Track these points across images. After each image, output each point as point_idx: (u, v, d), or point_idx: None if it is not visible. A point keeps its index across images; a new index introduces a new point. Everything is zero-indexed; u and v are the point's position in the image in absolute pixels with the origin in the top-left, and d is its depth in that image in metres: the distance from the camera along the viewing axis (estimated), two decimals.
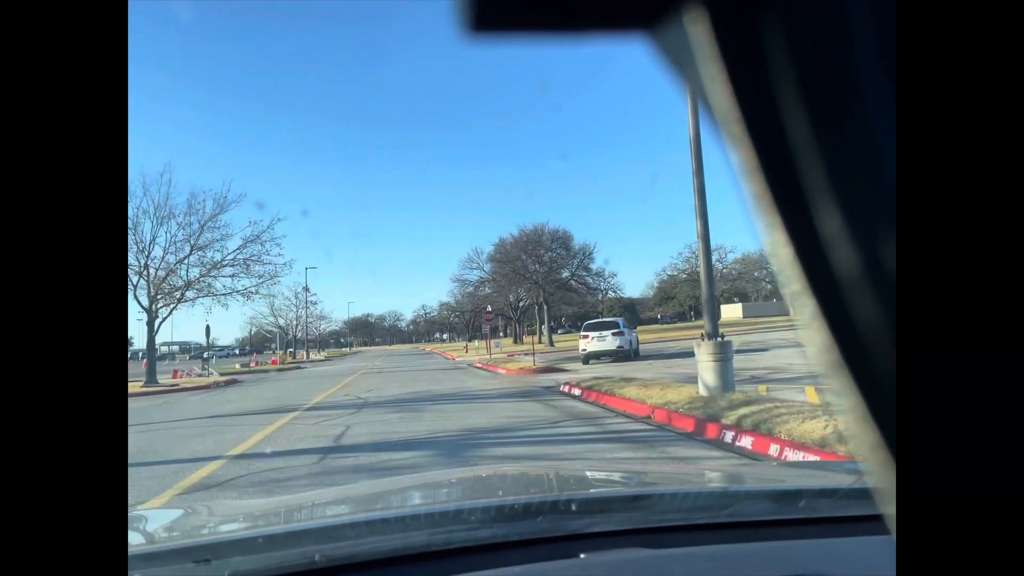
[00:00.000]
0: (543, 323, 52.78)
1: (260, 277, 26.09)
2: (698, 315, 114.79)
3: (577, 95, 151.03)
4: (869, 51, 0.26)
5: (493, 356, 30.04)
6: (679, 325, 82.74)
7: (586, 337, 21.95)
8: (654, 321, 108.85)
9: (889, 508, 0.27)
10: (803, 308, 0.28)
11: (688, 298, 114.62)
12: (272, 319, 56.41)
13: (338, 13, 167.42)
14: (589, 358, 21.79)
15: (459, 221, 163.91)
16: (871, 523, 1.10)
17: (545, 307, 47.15)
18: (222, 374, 30.85)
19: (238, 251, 24.88)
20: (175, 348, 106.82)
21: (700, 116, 0.43)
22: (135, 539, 1.33)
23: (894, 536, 0.27)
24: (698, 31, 0.27)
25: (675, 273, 57.31)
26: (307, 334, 58.98)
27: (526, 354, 36.94)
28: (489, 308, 29.78)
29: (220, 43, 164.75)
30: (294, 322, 58.36)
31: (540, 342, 53.50)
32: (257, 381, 25.13)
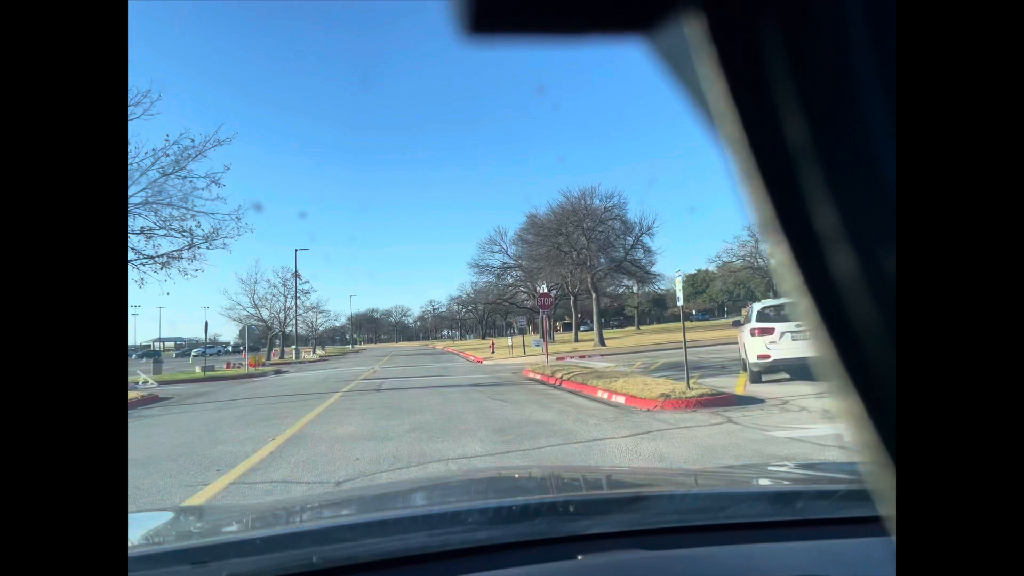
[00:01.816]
0: (576, 316, 41.90)
1: (186, 235, 14.69)
2: (733, 311, 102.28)
3: (575, 97, 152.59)
4: (867, 53, 0.26)
5: (546, 360, 18.72)
6: (720, 322, 70.73)
7: (766, 332, 10.42)
8: (685, 317, 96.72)
9: (887, 509, 0.27)
10: (801, 308, 0.28)
11: (721, 293, 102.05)
12: (254, 310, 44.87)
13: (336, 13, 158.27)
14: (764, 371, 10.36)
15: (459, 220, 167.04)
16: (869, 524, 1.12)
17: (594, 296, 35.76)
18: (163, 382, 22.83)
19: (146, 188, 13.45)
20: (169, 344, 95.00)
21: (697, 119, 0.30)
22: (133, 541, 1.31)
23: (893, 537, 0.27)
24: (695, 34, 0.27)
25: (732, 260, 46.21)
26: (297, 329, 47.60)
27: (582, 356, 25.25)
28: (545, 289, 17.86)
29: (219, 41, 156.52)
30: (282, 314, 46.91)
31: (577, 340, 41.93)
32: (176, 404, 15.13)
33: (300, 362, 41.49)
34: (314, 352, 55.56)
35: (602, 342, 34.29)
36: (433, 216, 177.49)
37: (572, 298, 45.23)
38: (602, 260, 38.46)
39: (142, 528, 1.52)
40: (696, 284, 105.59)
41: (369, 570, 1.06)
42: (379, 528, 1.28)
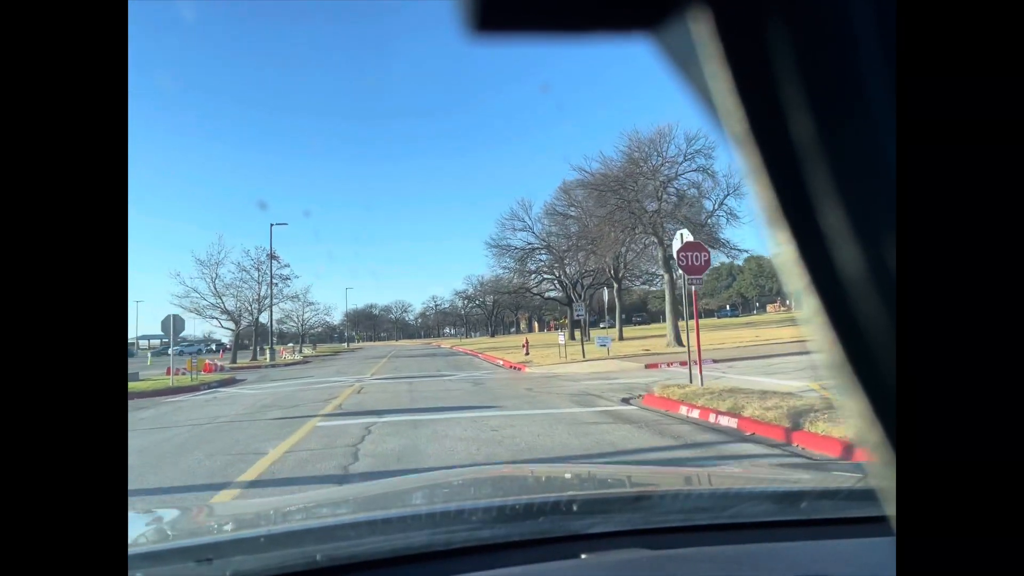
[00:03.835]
0: (627, 308, 31.87)
1: None
2: (762, 306, 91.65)
3: (579, 95, 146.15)
4: (872, 51, 0.26)
5: (699, 376, 10.65)
6: (756, 318, 60.12)
7: None
8: (707, 315, 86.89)
9: (892, 509, 0.27)
10: (806, 306, 0.28)
11: (751, 287, 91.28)
12: (215, 299, 34.33)
13: (340, 12, 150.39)
14: None
15: (460, 216, 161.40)
16: (874, 524, 1.09)
17: (667, 277, 25.39)
18: None
19: None
20: (155, 341, 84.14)
21: (703, 116, 0.30)
22: (136, 538, 1.30)
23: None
24: (701, 31, 0.27)
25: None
26: (272, 323, 37.29)
27: (683, 363, 14.71)
28: (687, 236, 6.43)
29: (221, 44, 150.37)
30: (256, 305, 36.35)
31: (622, 338, 31.39)
32: None
33: (274, 365, 31.47)
34: (300, 351, 45.30)
35: (679, 340, 24.05)
36: (434, 212, 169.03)
37: (616, 284, 34.94)
38: (699, 218, 27.40)
39: (146, 526, 1.51)
40: (721, 278, 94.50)
41: (372, 568, 1.06)
42: (382, 526, 1.27)
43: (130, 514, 1.46)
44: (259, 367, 31.36)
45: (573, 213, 36.16)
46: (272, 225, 37.91)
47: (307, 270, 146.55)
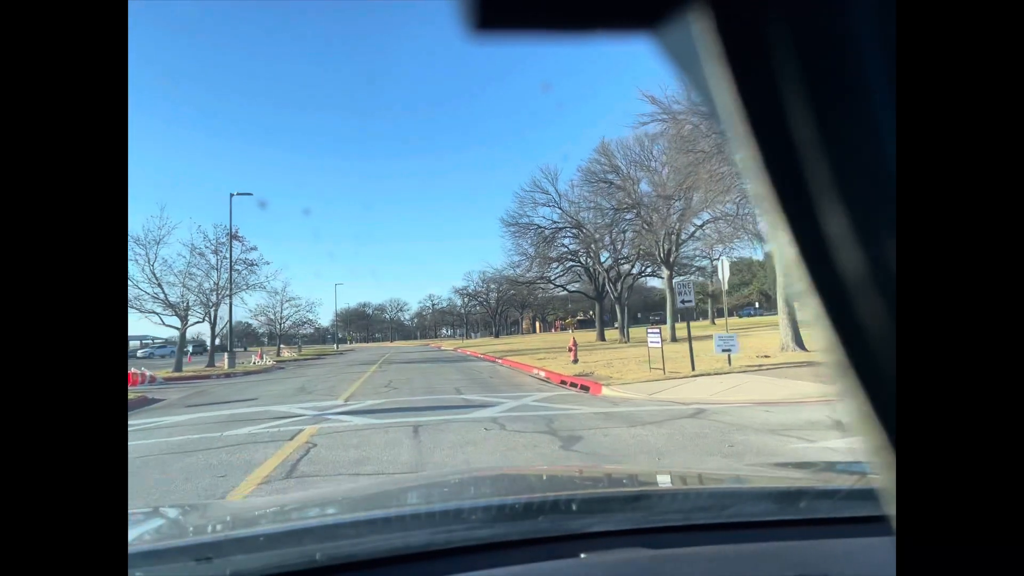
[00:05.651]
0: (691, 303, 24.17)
1: None
2: (773, 307, 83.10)
3: (580, 94, 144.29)
4: (871, 51, 0.26)
5: None
6: (775, 320, 51.25)
7: None
8: (728, 312, 77.74)
9: (892, 509, 0.27)
10: (808, 307, 0.28)
11: (775, 283, 79.53)
12: (153, 288, 25.82)
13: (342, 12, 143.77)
14: None
15: (459, 215, 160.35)
16: (874, 524, 1.10)
17: (771, 247, 17.12)
18: None
19: None
20: (134, 343, 75.08)
21: (706, 116, 0.42)
22: (137, 537, 1.30)
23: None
24: (702, 30, 0.27)
25: None
26: (232, 320, 29.11)
27: None
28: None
29: (222, 41, 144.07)
30: (212, 297, 28.01)
31: (675, 338, 23.66)
32: None
33: (230, 374, 23.47)
34: (277, 354, 37.07)
35: (800, 342, 16.12)
36: (432, 212, 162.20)
37: (668, 271, 27.12)
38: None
39: (146, 525, 1.50)
40: (741, 275, 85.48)
41: (372, 567, 1.06)
42: (382, 525, 1.26)
43: (130, 513, 1.44)
44: (208, 376, 23.65)
45: (616, 180, 28.55)
46: (232, 195, 28.47)
47: (305, 269, 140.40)
